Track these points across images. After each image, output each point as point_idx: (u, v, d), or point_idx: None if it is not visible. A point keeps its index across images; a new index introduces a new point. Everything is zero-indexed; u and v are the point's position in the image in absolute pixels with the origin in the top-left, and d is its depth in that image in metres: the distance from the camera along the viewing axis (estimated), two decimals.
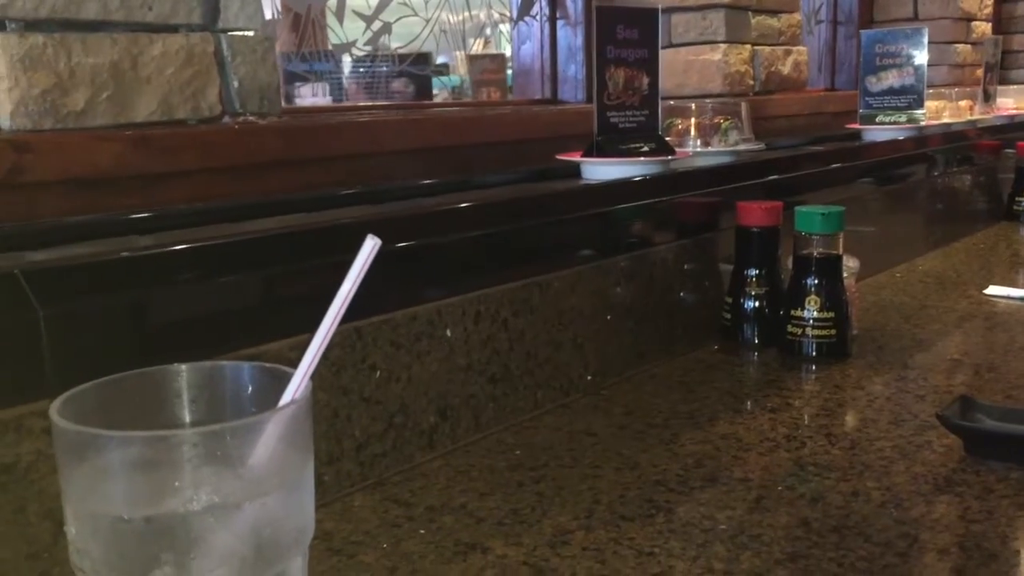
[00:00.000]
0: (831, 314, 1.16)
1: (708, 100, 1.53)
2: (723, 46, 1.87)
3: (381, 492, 0.81)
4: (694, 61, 1.88)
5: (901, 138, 1.93)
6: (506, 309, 0.96)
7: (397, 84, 1.84)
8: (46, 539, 0.61)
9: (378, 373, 0.83)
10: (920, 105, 1.95)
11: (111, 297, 0.65)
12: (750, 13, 1.95)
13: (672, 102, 1.56)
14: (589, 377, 1.07)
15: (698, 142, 1.47)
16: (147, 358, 0.57)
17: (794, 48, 2.11)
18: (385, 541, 0.73)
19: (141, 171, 0.93)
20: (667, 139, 1.36)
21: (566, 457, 0.89)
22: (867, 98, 1.98)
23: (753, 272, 1.23)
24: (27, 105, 0.87)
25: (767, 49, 2.01)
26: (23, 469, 0.60)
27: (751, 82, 1.95)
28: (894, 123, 1.96)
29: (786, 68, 2.07)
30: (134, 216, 0.90)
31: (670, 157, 1.27)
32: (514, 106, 1.86)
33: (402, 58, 1.81)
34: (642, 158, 1.24)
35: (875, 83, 1.97)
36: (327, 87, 1.78)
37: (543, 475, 0.85)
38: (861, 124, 1.98)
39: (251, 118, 1.06)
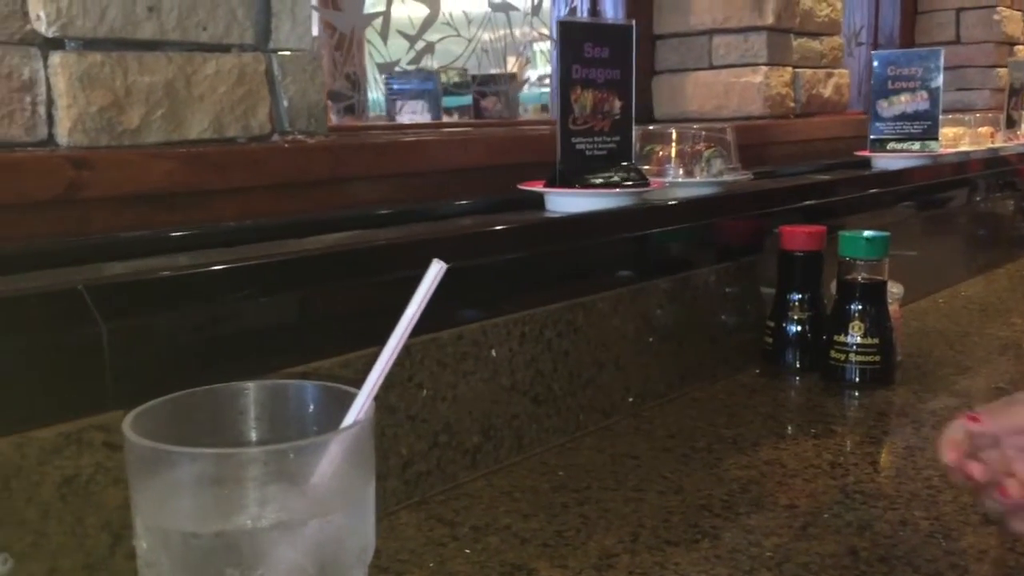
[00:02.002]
0: (875, 340, 1.15)
1: (693, 125, 1.40)
2: (764, 68, 1.86)
3: (426, 510, 0.82)
4: (735, 83, 1.88)
5: (912, 167, 1.79)
6: (550, 330, 0.96)
7: (486, 102, 1.85)
8: (103, 551, 0.62)
9: (424, 392, 0.84)
10: (935, 132, 1.80)
11: (170, 313, 0.66)
12: (792, 35, 1.94)
13: (651, 127, 1.44)
14: (631, 399, 1.07)
15: (680, 171, 1.33)
16: (203, 374, 0.58)
17: (835, 71, 2.10)
18: (431, 560, 0.73)
19: (193, 188, 0.95)
20: (646, 167, 1.28)
21: (609, 480, 0.89)
22: (878, 123, 1.83)
23: (796, 296, 1.22)
24: (84, 122, 0.89)
25: (808, 71, 2.00)
26: (83, 481, 0.61)
27: (792, 104, 1.95)
28: (906, 151, 1.81)
29: (827, 91, 2.06)
30: (187, 232, 0.91)
31: (641, 189, 1.15)
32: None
33: (485, 79, 1.83)
34: (609, 190, 1.11)
35: (887, 107, 1.82)
36: (427, 104, 1.78)
37: (586, 497, 0.85)
38: (871, 151, 1.83)
39: (300, 136, 1.07)
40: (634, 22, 1.19)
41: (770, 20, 1.86)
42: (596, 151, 1.14)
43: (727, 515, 0.81)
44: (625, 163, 1.16)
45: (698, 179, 1.31)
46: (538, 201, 1.13)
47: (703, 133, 1.37)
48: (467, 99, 1.85)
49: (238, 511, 0.42)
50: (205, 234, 0.93)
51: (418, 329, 0.84)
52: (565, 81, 1.10)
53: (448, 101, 1.83)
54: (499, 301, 0.91)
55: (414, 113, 1.74)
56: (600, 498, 0.85)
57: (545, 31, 1.99)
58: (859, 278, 1.16)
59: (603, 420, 1.03)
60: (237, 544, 0.42)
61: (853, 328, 1.16)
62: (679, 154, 1.34)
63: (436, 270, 0.46)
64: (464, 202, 1.17)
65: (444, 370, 0.85)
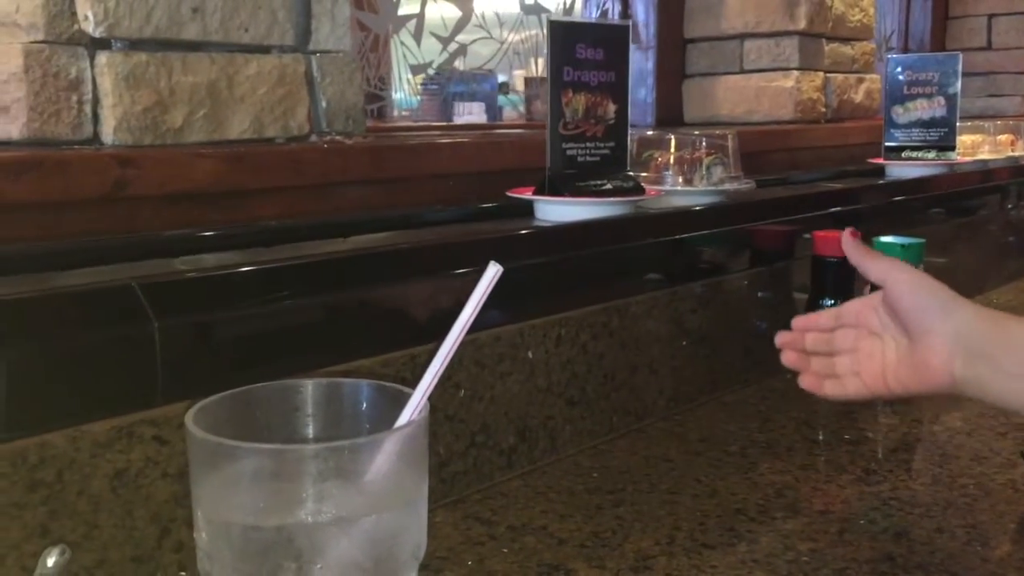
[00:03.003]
0: None
1: (695, 131, 1.34)
2: (796, 73, 1.86)
3: (463, 509, 0.82)
4: (766, 88, 1.88)
5: (928, 176, 1.71)
6: (586, 332, 0.97)
7: (536, 104, 1.85)
8: (151, 544, 0.63)
9: (462, 392, 0.84)
10: (952, 140, 1.72)
11: (219, 311, 0.67)
12: (824, 40, 1.94)
13: (649, 133, 1.38)
14: (663, 402, 1.07)
15: (680, 179, 1.27)
16: (249, 371, 0.60)
17: (867, 76, 2.09)
18: (469, 558, 0.74)
19: (234, 187, 0.96)
20: (644, 174, 1.24)
21: (643, 482, 0.89)
22: (892, 130, 1.76)
23: (829, 302, 1.22)
24: (129, 121, 0.90)
25: (840, 77, 1.99)
26: (133, 475, 0.62)
27: (823, 109, 1.94)
28: (922, 159, 1.73)
29: (858, 96, 2.06)
30: (229, 231, 0.92)
31: (633, 198, 1.10)
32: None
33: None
34: (599, 198, 1.07)
35: (902, 114, 1.75)
36: (484, 106, 1.79)
37: (621, 499, 0.85)
38: (885, 159, 1.76)
39: (338, 137, 1.08)
40: (630, 23, 1.14)
41: (802, 24, 1.85)
42: (589, 157, 1.10)
43: (762, 519, 0.81)
44: (619, 170, 1.12)
45: (697, 188, 1.25)
46: (527, 209, 1.09)
47: (704, 140, 1.31)
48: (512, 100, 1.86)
49: (297, 506, 0.43)
50: (245, 233, 0.94)
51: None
52: (555, 84, 1.06)
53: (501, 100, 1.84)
54: (537, 303, 0.92)
55: (470, 114, 1.74)
56: (635, 500, 0.85)
57: None
58: None
59: (635, 423, 1.04)
60: (297, 538, 0.42)
61: None
62: (678, 161, 1.29)
63: (493, 272, 0.46)
64: (443, 209, 1.13)
65: (482, 371, 0.86)
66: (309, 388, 0.49)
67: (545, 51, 1.11)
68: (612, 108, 1.11)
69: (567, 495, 0.86)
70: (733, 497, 0.86)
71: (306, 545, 0.42)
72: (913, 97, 1.75)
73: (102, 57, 0.88)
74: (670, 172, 1.27)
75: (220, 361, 0.67)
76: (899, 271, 0.73)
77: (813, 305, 1.23)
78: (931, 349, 0.69)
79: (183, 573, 0.65)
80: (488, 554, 0.75)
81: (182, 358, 0.64)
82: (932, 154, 1.73)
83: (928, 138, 1.74)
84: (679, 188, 1.25)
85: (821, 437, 1.02)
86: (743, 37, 1.91)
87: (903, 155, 1.76)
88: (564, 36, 1.06)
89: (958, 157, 1.77)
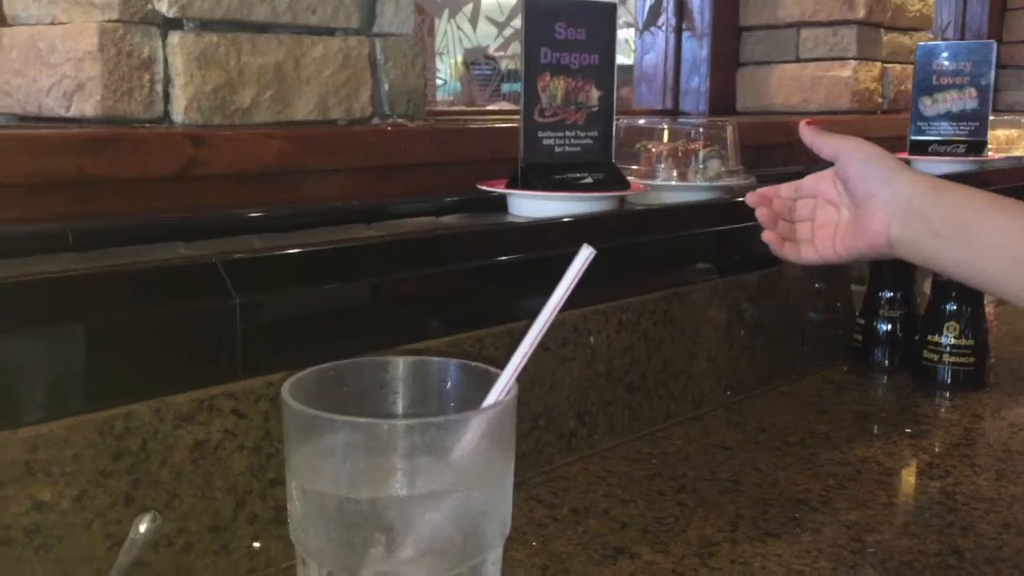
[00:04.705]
0: (970, 341, 1.13)
1: (691, 120, 1.26)
2: (853, 62, 1.84)
3: (525, 491, 0.83)
4: (822, 77, 1.86)
5: (957, 172, 1.56)
6: (647, 319, 0.97)
7: None
8: (228, 514, 0.65)
9: (527, 375, 0.85)
10: (983, 134, 1.60)
11: (297, 288, 0.68)
12: (882, 30, 1.91)
13: (641, 121, 1.29)
14: (721, 391, 1.07)
15: (674, 172, 1.16)
16: (325, 348, 0.60)
17: None
18: (533, 539, 0.74)
19: (300, 167, 0.97)
20: (636, 167, 1.15)
21: (703, 469, 0.89)
22: (919, 123, 1.64)
23: (888, 294, 1.21)
24: (199, 101, 0.91)
25: (898, 67, 1.97)
26: (212, 447, 0.63)
27: (880, 100, 1.92)
28: (950, 154, 1.61)
29: None
30: (299, 211, 0.93)
31: (616, 193, 1.01)
32: (643, 114, 1.86)
33: None
34: (580, 192, 0.98)
35: (930, 105, 1.63)
36: None
37: (682, 486, 0.85)
38: (910, 154, 1.64)
39: (400, 120, 1.09)
40: (617, 1, 1.05)
41: (861, 14, 1.83)
42: (568, 147, 1.00)
43: (825, 510, 0.81)
44: (603, 162, 1.02)
45: (689, 183, 1.16)
46: (500, 202, 1.02)
47: (701, 130, 1.21)
48: None
49: (389, 479, 0.44)
50: (310, 213, 0.96)
51: (522, 314, 0.86)
52: (531, 66, 0.97)
53: None
54: (600, 288, 0.92)
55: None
56: (696, 487, 0.85)
57: (631, 19, 1.98)
58: None
59: (693, 411, 1.03)
60: (389, 511, 0.43)
61: (948, 329, 1.14)
62: (671, 153, 1.18)
63: (585, 255, 0.46)
64: (412, 202, 1.05)
65: (545, 354, 0.86)
66: (399, 365, 0.50)
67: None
68: (595, 94, 1.02)
69: (627, 480, 0.86)
70: (795, 487, 0.85)
71: (398, 518, 0.43)
72: (943, 88, 1.63)
73: (174, 37, 0.90)
74: (662, 165, 1.17)
75: (298, 338, 0.68)
76: (849, 143, 0.78)
77: (873, 297, 1.22)
78: (872, 212, 0.75)
79: (256, 544, 0.67)
80: (552, 536, 0.75)
81: (260, 334, 0.65)
82: (962, 149, 1.62)
83: (958, 132, 1.62)
84: (672, 183, 1.15)
85: (880, 430, 1.01)
86: (800, 25, 1.89)
87: (930, 149, 1.64)
88: (541, 13, 0.97)
89: (990, 153, 1.65)
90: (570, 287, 0.47)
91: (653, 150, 1.19)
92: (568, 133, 1.00)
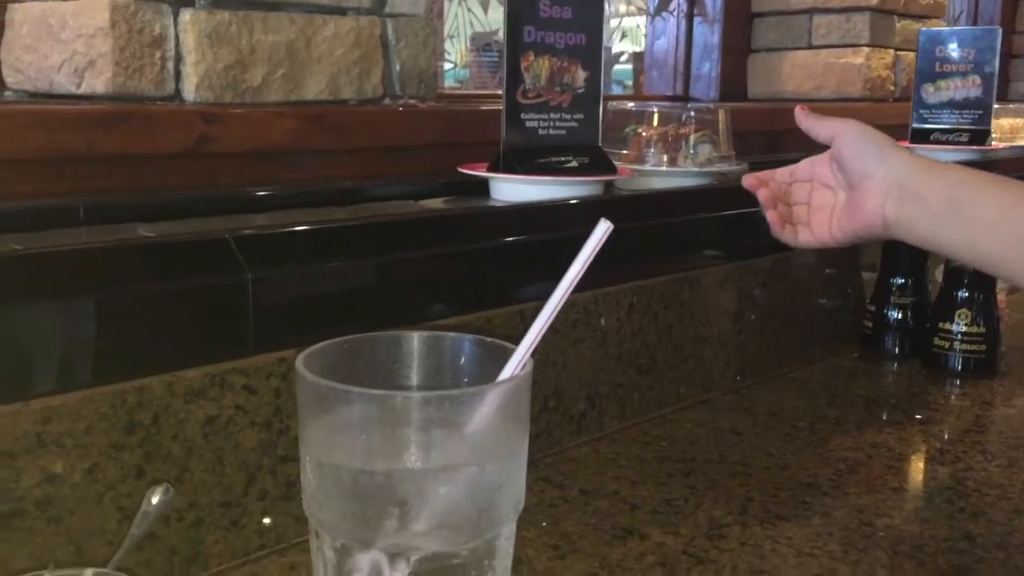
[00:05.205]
0: (982, 329, 1.13)
1: (688, 104, 1.22)
2: (866, 50, 1.83)
3: (534, 472, 0.83)
4: (834, 64, 1.85)
5: (959, 161, 1.45)
6: (657, 302, 0.96)
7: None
8: (238, 489, 0.65)
9: (537, 355, 0.84)
10: (986, 122, 1.55)
11: (309, 264, 0.68)
12: (896, 17, 1.90)
13: (631, 105, 1.24)
14: (730, 376, 1.07)
15: (664, 157, 1.12)
16: (337, 324, 0.60)
17: None
18: (544, 519, 0.74)
19: (311, 147, 0.96)
20: (625, 152, 1.11)
21: (713, 453, 0.89)
22: (921, 110, 1.58)
23: (899, 281, 1.20)
24: (211, 79, 0.91)
25: (910, 55, 1.95)
26: (223, 422, 0.63)
27: (892, 87, 1.91)
28: (952, 143, 1.55)
29: None
30: (310, 190, 0.93)
31: (602, 177, 0.98)
32: (653, 100, 1.85)
33: None
34: (558, 176, 0.94)
35: (932, 93, 1.58)
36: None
37: (691, 469, 0.85)
38: (912, 142, 1.57)
39: (411, 101, 1.09)
40: None
41: (874, 1, 1.81)
42: (552, 130, 0.96)
43: (836, 494, 0.81)
44: (589, 145, 0.98)
45: (679, 168, 1.12)
46: (482, 187, 0.98)
47: (692, 114, 1.16)
48: None
49: (404, 452, 0.44)
50: (320, 191, 0.95)
51: (533, 295, 0.85)
52: (514, 45, 0.92)
53: None
54: (611, 270, 0.92)
55: None
56: (705, 470, 0.85)
57: (642, 4, 1.97)
58: (969, 266, 1.14)
59: (703, 395, 1.03)
60: (403, 483, 0.43)
61: (959, 316, 1.13)
62: (662, 138, 1.14)
63: (603, 230, 0.46)
64: (391, 185, 1.03)
65: (556, 336, 0.86)
66: (414, 340, 0.50)
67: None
68: (582, 75, 0.98)
69: (637, 462, 0.86)
70: (805, 471, 0.85)
71: (412, 491, 0.43)
72: (946, 75, 1.58)
73: (186, 14, 0.89)
74: (652, 150, 1.13)
75: (309, 314, 0.68)
76: (844, 125, 0.77)
77: (883, 284, 1.22)
78: (867, 193, 0.74)
79: (267, 520, 0.67)
80: (562, 516, 0.75)
81: (272, 310, 0.65)
82: (965, 137, 1.56)
83: (961, 121, 1.57)
84: (662, 168, 1.11)
85: (891, 416, 1.01)
86: (812, 12, 1.88)
87: (932, 138, 1.58)
88: None
89: (993, 142, 1.59)
90: (587, 262, 0.47)
91: (643, 134, 1.15)
92: (552, 115, 0.96)
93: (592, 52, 0.98)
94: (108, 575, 0.49)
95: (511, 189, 0.95)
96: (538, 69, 0.95)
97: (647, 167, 1.11)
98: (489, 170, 0.95)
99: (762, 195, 0.81)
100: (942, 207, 0.71)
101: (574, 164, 0.96)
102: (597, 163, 0.98)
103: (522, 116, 0.94)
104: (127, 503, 0.59)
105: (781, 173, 0.83)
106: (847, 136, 0.77)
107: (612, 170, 0.99)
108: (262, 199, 0.90)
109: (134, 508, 0.58)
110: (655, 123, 1.16)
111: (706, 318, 1.03)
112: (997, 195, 0.69)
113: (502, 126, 0.93)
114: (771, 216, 0.81)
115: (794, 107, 0.82)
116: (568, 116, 0.97)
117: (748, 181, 0.83)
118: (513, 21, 0.92)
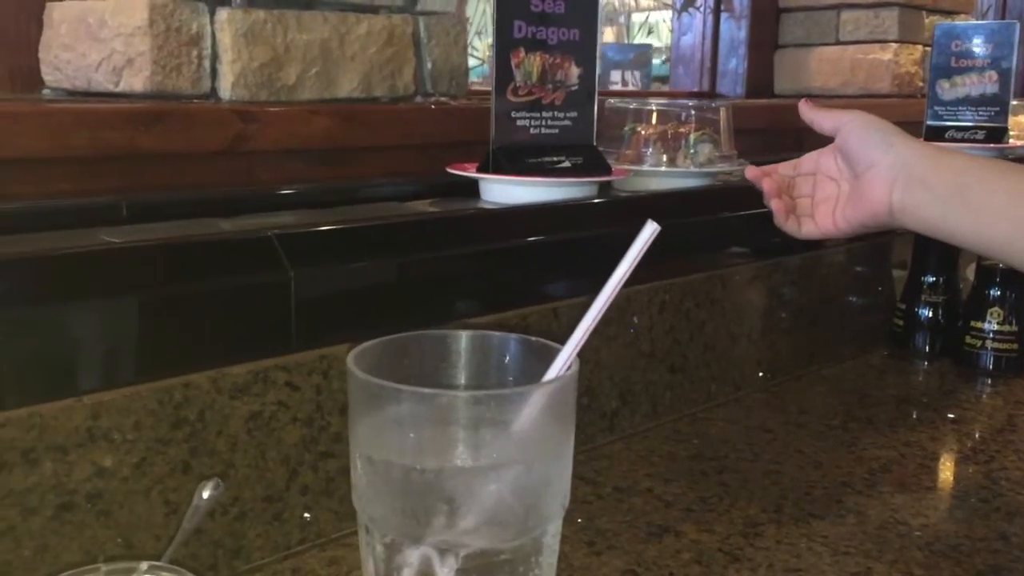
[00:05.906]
0: (1014, 328, 1.12)
1: (689, 102, 1.14)
2: (894, 45, 1.82)
3: None
4: (862, 60, 1.84)
5: None
6: (689, 300, 0.96)
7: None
8: (281, 484, 0.66)
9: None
10: (1003, 120, 1.50)
11: (352, 262, 0.69)
12: (924, 13, 1.88)
13: (630, 102, 1.19)
14: (761, 374, 1.07)
15: (663, 157, 1.08)
16: (379, 321, 0.61)
17: None
18: (579, 516, 0.75)
19: (346, 145, 0.97)
20: (627, 151, 1.08)
21: (746, 451, 0.89)
22: (936, 107, 1.54)
23: (930, 279, 1.20)
24: (246, 77, 0.92)
25: None
26: (267, 418, 0.64)
27: (921, 84, 1.89)
28: (968, 140, 1.50)
29: None
30: (344, 187, 0.94)
31: (596, 178, 0.94)
32: (679, 96, 1.85)
33: None
34: (548, 177, 0.91)
35: (947, 89, 1.53)
36: (638, 75, 1.76)
37: (724, 466, 0.86)
38: (926, 140, 1.48)
39: (443, 99, 1.09)
40: None
41: None
42: (544, 129, 0.93)
43: (870, 493, 0.81)
44: (583, 145, 0.95)
45: (678, 168, 1.08)
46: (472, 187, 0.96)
47: (692, 112, 1.11)
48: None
49: (452, 450, 0.44)
50: (349, 188, 0.96)
51: (568, 292, 0.86)
52: (503, 41, 0.89)
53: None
54: (644, 269, 0.91)
55: (624, 84, 1.72)
56: (738, 468, 0.85)
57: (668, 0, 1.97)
58: (1000, 264, 1.13)
59: (734, 392, 1.03)
60: (452, 481, 0.44)
61: (991, 315, 1.13)
62: (661, 137, 1.09)
63: (650, 231, 0.47)
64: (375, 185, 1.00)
65: (590, 333, 0.86)
66: (461, 339, 0.50)
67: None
68: (575, 72, 0.94)
69: (669, 460, 0.87)
70: (838, 470, 0.85)
71: (460, 489, 0.43)
72: (962, 71, 1.52)
73: (222, 13, 0.90)
74: (650, 149, 1.09)
75: (348, 311, 0.69)
76: (848, 115, 0.78)
77: (914, 282, 1.21)
78: (872, 181, 0.74)
79: (308, 514, 0.68)
80: (597, 513, 0.76)
81: (314, 308, 0.66)
82: (981, 135, 1.51)
83: (977, 118, 1.52)
84: (660, 169, 1.08)
85: (923, 415, 1.01)
86: (840, 7, 1.86)
87: (947, 136, 1.53)
88: None
89: (1011, 140, 1.54)
90: (634, 263, 0.48)
91: (642, 133, 1.11)
92: (544, 114, 0.93)
93: (586, 48, 0.95)
94: (162, 568, 0.50)
95: (501, 190, 0.92)
96: (529, 66, 0.92)
97: (645, 167, 1.08)
98: (478, 171, 0.93)
99: (766, 185, 0.81)
100: (949, 193, 0.70)
101: (567, 164, 0.93)
102: (591, 163, 0.95)
103: (512, 115, 0.91)
104: (174, 497, 0.60)
105: (784, 167, 0.83)
106: (852, 126, 0.77)
107: (607, 170, 0.96)
108: (293, 196, 0.91)
109: (180, 502, 0.59)
110: (653, 121, 1.12)
111: (737, 316, 1.03)
112: (1004, 180, 0.69)
113: (491, 125, 0.91)
114: (775, 205, 0.81)
115: (823, 104, 0.82)
116: (561, 114, 0.94)
117: (751, 173, 0.83)
118: (502, 16, 0.89)
